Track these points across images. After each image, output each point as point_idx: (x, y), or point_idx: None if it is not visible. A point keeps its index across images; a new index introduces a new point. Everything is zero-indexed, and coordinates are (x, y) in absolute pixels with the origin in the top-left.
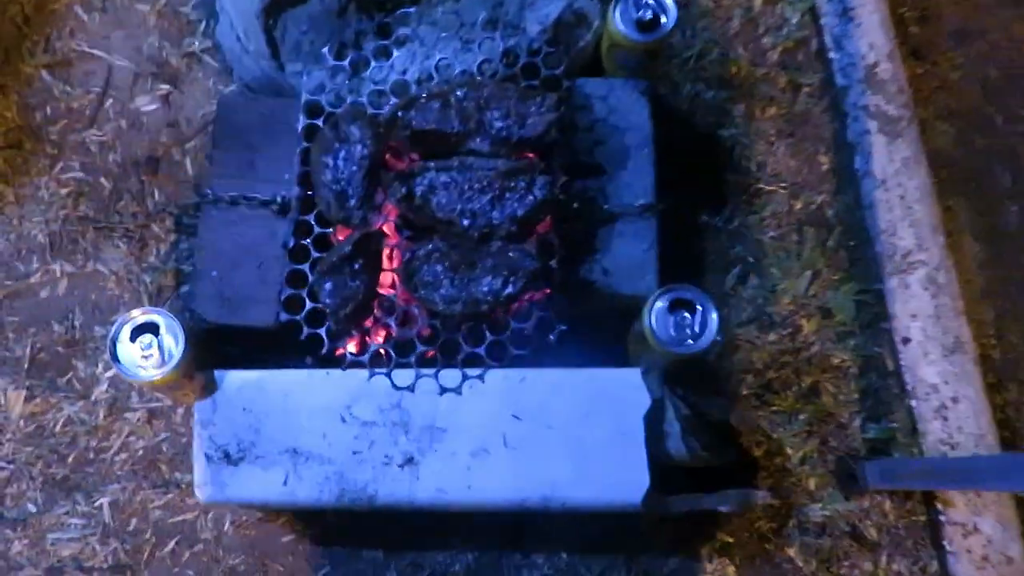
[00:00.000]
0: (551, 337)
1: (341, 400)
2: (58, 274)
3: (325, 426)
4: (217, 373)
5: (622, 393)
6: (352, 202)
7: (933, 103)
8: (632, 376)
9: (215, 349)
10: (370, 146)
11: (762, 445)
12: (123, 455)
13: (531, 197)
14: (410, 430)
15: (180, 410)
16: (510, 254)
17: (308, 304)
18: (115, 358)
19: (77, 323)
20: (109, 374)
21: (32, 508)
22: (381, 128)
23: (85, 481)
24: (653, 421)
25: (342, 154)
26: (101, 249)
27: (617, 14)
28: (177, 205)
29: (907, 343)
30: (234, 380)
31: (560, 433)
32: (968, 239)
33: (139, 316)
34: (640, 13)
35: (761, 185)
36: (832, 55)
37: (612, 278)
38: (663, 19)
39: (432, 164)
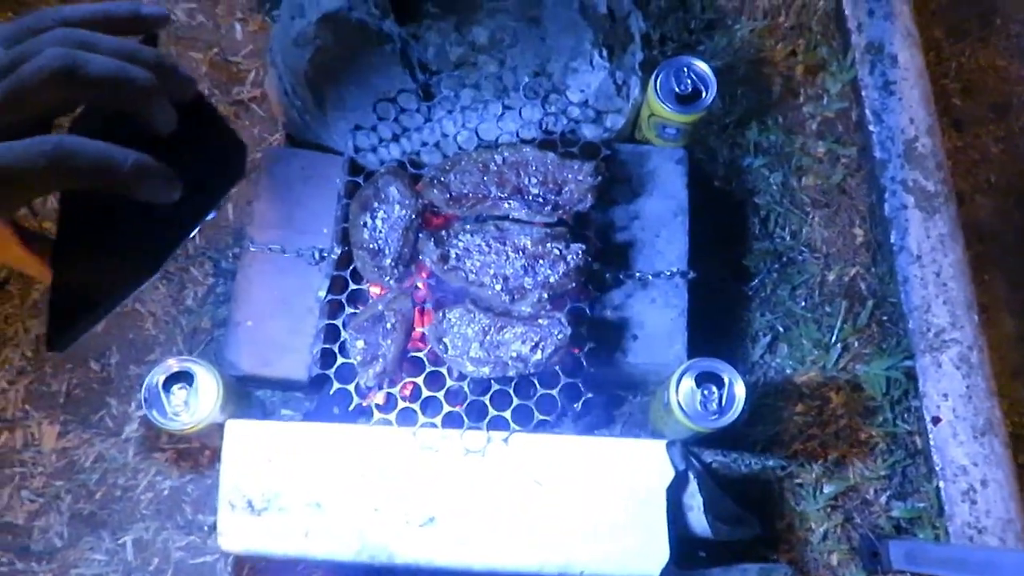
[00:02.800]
0: (577, 404)
1: (366, 455)
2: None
3: (349, 481)
4: (246, 422)
5: (645, 464)
6: (387, 261)
7: (973, 176)
8: (656, 448)
9: (246, 396)
10: (408, 207)
11: (785, 518)
12: (149, 494)
13: (564, 264)
14: (433, 490)
15: (207, 452)
16: (540, 320)
17: (339, 359)
18: (149, 405)
19: (113, 361)
20: (140, 413)
21: (58, 542)
22: (419, 189)
23: (111, 518)
24: (676, 494)
25: (380, 214)
26: (142, 290)
27: (658, 86)
28: (216, 249)
29: (937, 423)
30: (262, 430)
31: (581, 501)
32: (1004, 314)
33: (175, 365)
34: (680, 87)
35: (795, 255)
36: (872, 127)
37: (641, 345)
38: (703, 93)
39: (468, 227)
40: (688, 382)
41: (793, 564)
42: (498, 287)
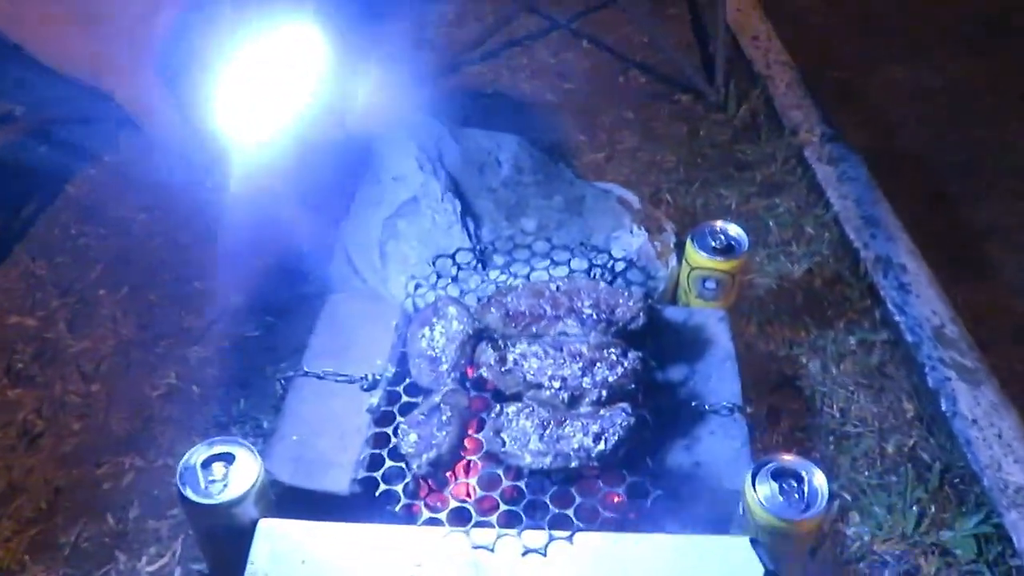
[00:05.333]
0: (647, 502)
1: (412, 557)
2: (126, 466)
3: None
4: (281, 521)
5: (729, 561)
6: (443, 367)
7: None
8: (739, 544)
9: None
10: (465, 323)
11: None
12: None
13: (622, 367)
14: None
15: None
16: (602, 412)
17: (387, 462)
18: (183, 482)
19: (131, 515)
20: (152, 568)
21: None
22: (475, 312)
23: None
24: None
25: (438, 327)
26: (177, 446)
27: (696, 244)
28: (259, 413)
29: None
30: (297, 529)
31: None
32: None
33: (217, 445)
34: (716, 242)
35: (847, 428)
36: (897, 318)
37: (705, 471)
38: (736, 246)
39: (524, 339)
40: (764, 479)
41: None
42: (556, 386)
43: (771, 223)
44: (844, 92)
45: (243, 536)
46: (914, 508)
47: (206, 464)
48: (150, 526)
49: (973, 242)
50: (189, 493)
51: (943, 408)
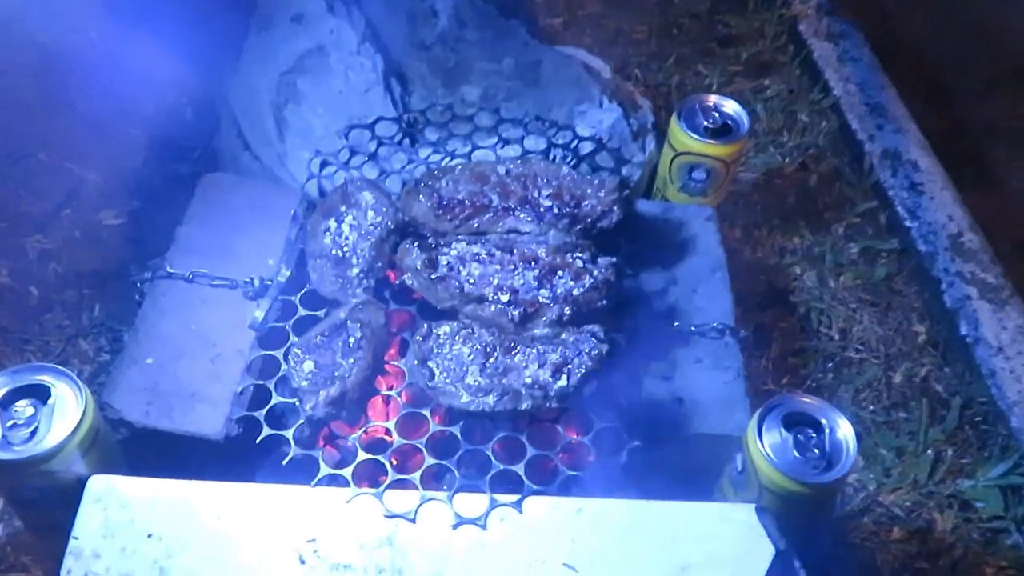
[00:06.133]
0: (620, 456)
1: (303, 530)
2: None
3: (273, 569)
4: (117, 478)
5: (729, 537)
6: (352, 271)
7: None
8: (742, 514)
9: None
10: (385, 215)
11: None
12: None
13: (590, 278)
14: None
15: None
16: (564, 336)
17: (275, 398)
18: None
19: None
20: None
21: None
22: (398, 199)
23: None
24: None
25: (348, 219)
26: (4, 366)
27: (683, 123)
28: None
29: None
30: (143, 490)
31: None
32: None
33: (24, 375)
34: (709, 121)
35: (848, 354)
36: (908, 224)
37: (689, 411)
38: (734, 127)
39: (461, 237)
40: (774, 427)
41: None
42: (504, 299)
43: (759, 108)
44: None
45: (69, 500)
46: (928, 452)
47: (6, 403)
48: None
49: (975, 145)
50: None
51: (962, 332)
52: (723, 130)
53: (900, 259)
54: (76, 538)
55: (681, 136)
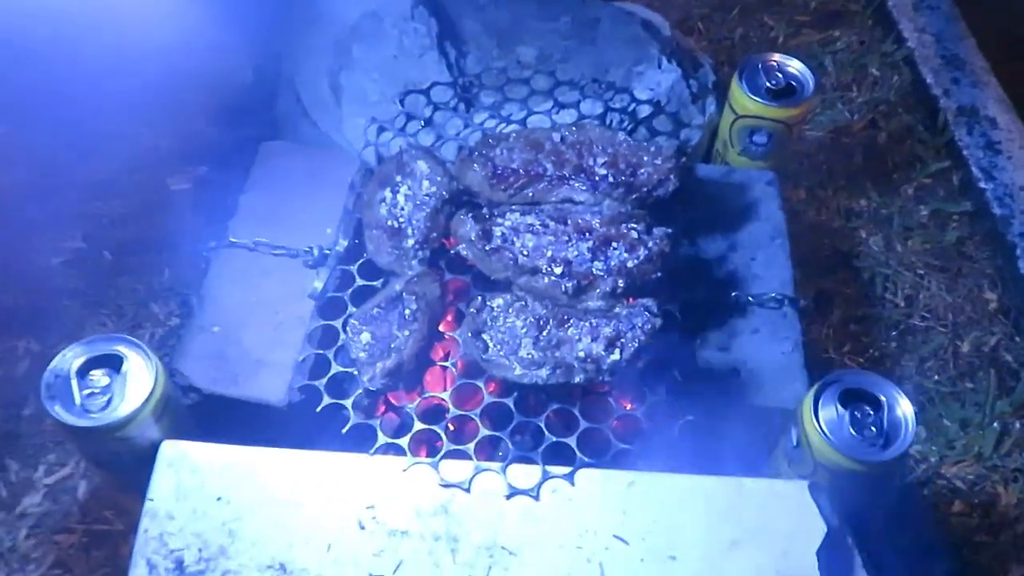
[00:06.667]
0: (673, 429)
1: (362, 496)
2: (20, 352)
3: (334, 533)
4: (189, 444)
5: (780, 514)
6: (408, 242)
7: None
8: (794, 491)
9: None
10: (439, 185)
11: None
12: None
13: (645, 249)
14: (460, 549)
15: (133, 537)
16: (617, 310)
17: (334, 367)
18: (51, 395)
19: (26, 412)
20: (50, 480)
21: None
22: (453, 167)
23: None
24: (830, 564)
25: (403, 189)
26: (83, 328)
27: (745, 84)
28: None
29: None
30: (213, 456)
31: (689, 569)
32: None
33: (97, 345)
34: (772, 82)
35: (914, 321)
36: (983, 185)
37: (745, 382)
38: (799, 88)
39: (515, 207)
40: (830, 403)
41: None
42: (558, 271)
43: (827, 62)
44: None
45: (143, 461)
46: (994, 424)
47: (83, 372)
48: (48, 427)
49: None
50: (59, 412)
51: None
52: (786, 91)
53: (973, 222)
54: (151, 500)
55: (742, 98)
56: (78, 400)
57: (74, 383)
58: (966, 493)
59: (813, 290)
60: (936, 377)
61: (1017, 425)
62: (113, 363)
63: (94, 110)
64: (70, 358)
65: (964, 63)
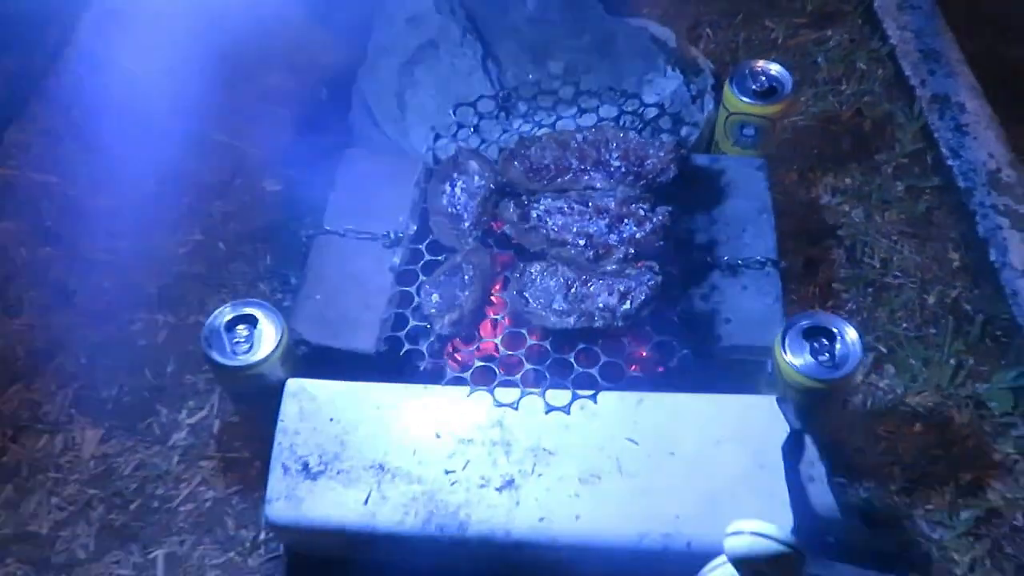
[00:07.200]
0: (673, 361)
1: (437, 415)
2: (159, 323)
3: (417, 441)
4: (307, 380)
5: (754, 421)
6: (465, 224)
7: None
8: (765, 403)
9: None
10: (486, 178)
11: (920, 547)
12: (189, 506)
13: (650, 223)
14: (512, 451)
15: (258, 462)
16: (628, 270)
17: (411, 321)
18: (209, 345)
19: (169, 371)
20: (192, 420)
21: (81, 554)
22: (497, 165)
23: (144, 531)
24: (793, 459)
25: (459, 183)
26: (207, 303)
27: (734, 85)
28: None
29: None
30: (325, 389)
31: (684, 461)
32: None
33: (238, 308)
34: (756, 85)
35: (888, 280)
36: (950, 162)
37: (735, 328)
38: (779, 88)
39: (548, 195)
40: (795, 338)
41: None
42: (582, 243)
43: (820, 59)
44: None
45: (272, 395)
46: (951, 361)
47: (230, 327)
48: (187, 380)
49: None
50: (216, 356)
51: (992, 258)
52: (769, 92)
53: (941, 195)
54: (282, 421)
55: (732, 99)
56: (227, 347)
57: (224, 335)
58: (926, 417)
59: (803, 257)
60: (905, 325)
61: (970, 361)
62: (251, 321)
63: (201, 124)
64: (220, 317)
65: (940, 56)
